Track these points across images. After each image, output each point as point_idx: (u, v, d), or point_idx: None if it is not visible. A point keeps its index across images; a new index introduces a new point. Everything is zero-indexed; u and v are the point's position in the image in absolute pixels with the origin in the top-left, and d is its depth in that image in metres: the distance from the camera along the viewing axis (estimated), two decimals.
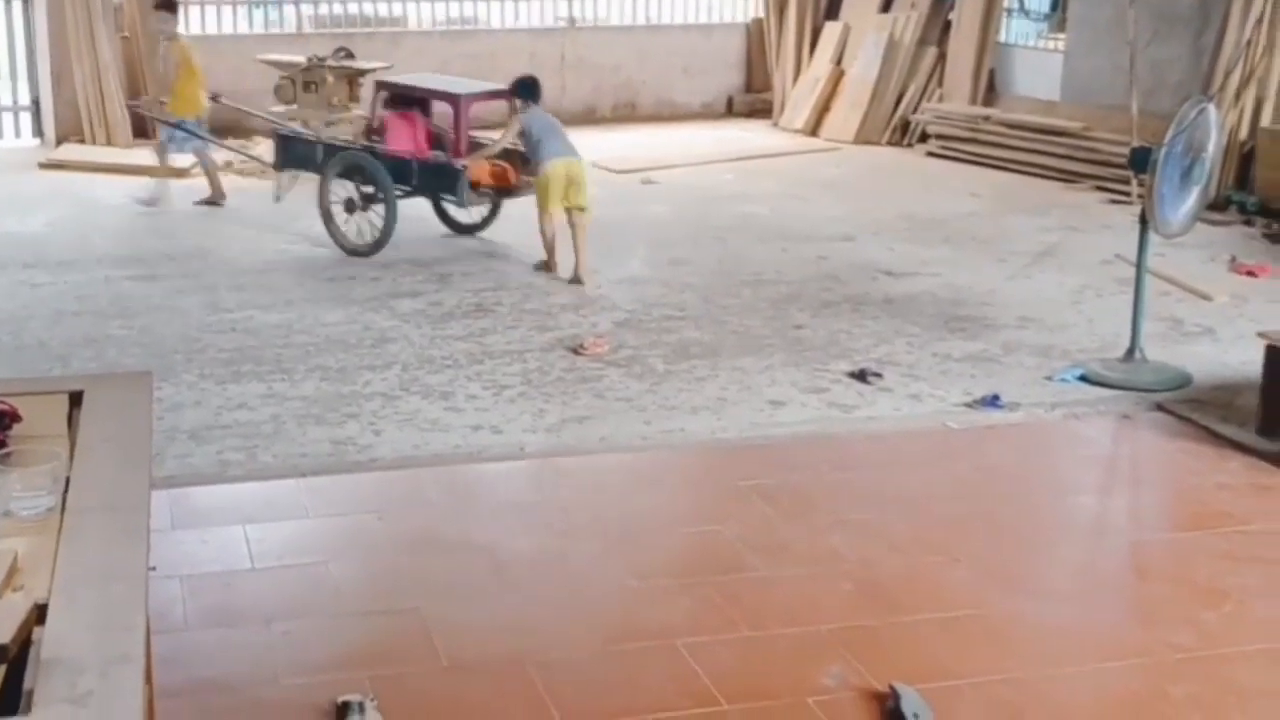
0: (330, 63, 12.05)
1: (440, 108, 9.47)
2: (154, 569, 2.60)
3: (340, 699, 3.88)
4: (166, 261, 8.92)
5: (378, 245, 9.07)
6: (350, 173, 9.22)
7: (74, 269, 8.48)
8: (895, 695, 3.92)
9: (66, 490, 2.70)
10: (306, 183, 9.58)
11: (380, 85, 9.81)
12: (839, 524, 5.19)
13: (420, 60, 14.08)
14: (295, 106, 12.23)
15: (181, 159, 10.81)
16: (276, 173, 9.92)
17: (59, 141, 12.89)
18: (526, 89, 9.00)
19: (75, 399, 3.21)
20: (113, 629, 2.22)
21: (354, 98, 12.25)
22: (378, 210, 9.12)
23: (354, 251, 9.11)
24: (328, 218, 9.22)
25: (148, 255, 9.03)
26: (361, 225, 9.19)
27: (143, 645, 2.19)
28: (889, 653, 4.24)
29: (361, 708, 3.83)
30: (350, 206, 9.21)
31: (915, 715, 3.85)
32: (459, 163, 8.99)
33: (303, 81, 12.03)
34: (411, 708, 3.92)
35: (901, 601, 4.60)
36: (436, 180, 9.14)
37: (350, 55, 12.31)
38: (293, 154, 9.73)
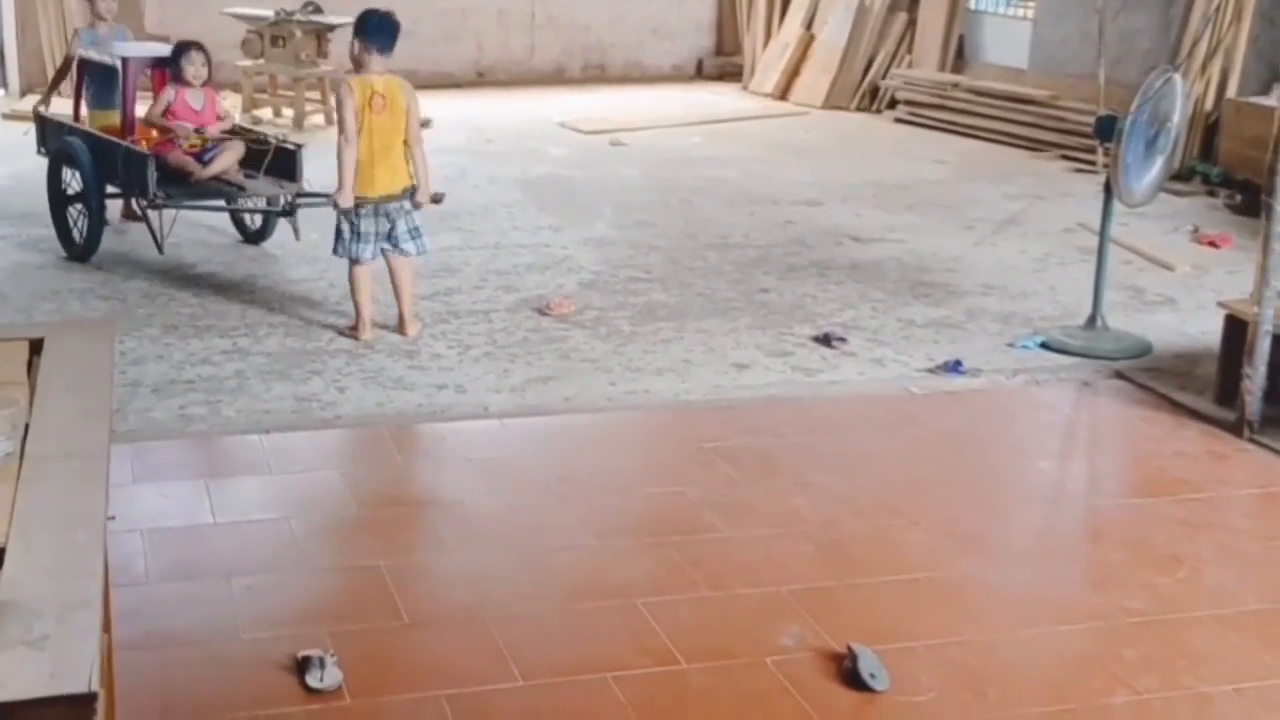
0: (298, 17, 11.97)
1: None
2: (113, 518, 2.60)
3: (301, 654, 3.89)
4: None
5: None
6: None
7: (37, 222, 8.40)
8: (853, 656, 3.95)
9: (25, 437, 2.70)
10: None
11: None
12: (801, 486, 5.22)
13: None
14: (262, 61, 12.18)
15: None
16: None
17: (23, 92, 12.77)
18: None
19: (35, 346, 3.20)
20: (71, 574, 2.22)
21: (322, 53, 12.17)
22: None
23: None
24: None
25: (112, 208, 8.95)
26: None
27: (100, 591, 2.20)
28: (847, 614, 4.28)
29: (322, 663, 3.84)
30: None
31: (872, 675, 3.89)
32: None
33: (270, 36, 11.97)
34: (372, 663, 3.93)
35: (861, 563, 4.64)
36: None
37: (318, 10, 12.22)
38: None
